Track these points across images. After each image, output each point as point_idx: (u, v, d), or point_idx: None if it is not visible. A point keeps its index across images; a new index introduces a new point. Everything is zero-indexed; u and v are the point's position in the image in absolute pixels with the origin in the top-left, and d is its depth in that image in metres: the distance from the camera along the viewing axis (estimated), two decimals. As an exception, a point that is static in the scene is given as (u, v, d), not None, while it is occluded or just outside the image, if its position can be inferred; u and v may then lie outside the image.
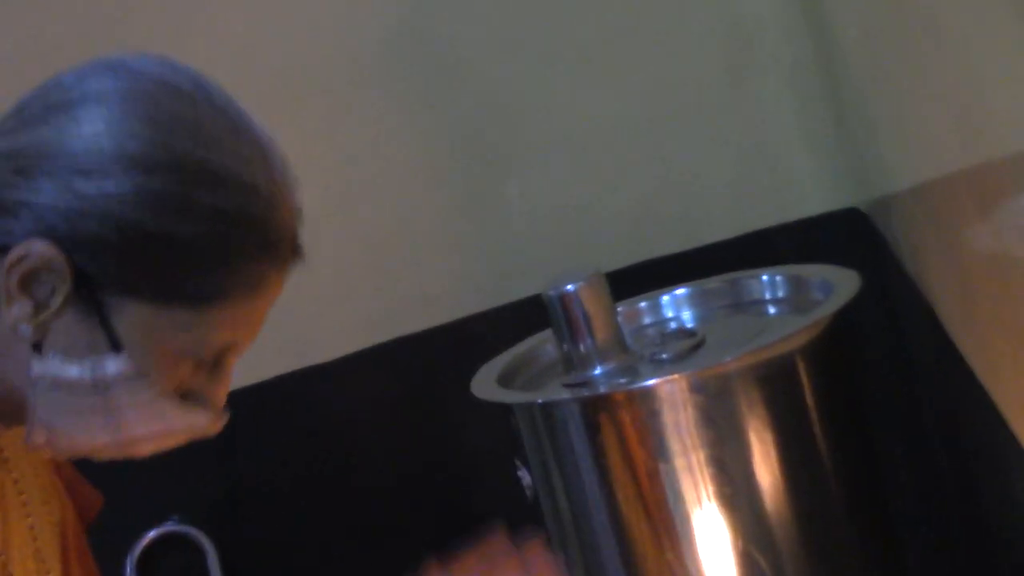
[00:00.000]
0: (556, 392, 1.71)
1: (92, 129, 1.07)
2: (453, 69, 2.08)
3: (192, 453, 2.05)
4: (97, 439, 1.13)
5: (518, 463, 1.74)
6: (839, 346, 1.70)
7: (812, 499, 1.67)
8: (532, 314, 1.79)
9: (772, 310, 1.84)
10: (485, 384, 1.77)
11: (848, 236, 2.08)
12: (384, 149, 2.09)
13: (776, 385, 1.65)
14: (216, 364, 1.15)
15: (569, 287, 1.68)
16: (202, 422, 1.15)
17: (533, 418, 1.70)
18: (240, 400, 2.10)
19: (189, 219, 1.08)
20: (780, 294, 1.85)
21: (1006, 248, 1.20)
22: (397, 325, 2.10)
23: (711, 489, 1.64)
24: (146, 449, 1.15)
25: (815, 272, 1.80)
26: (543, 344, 1.83)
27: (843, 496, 1.71)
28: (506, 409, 1.73)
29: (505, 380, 1.78)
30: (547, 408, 1.68)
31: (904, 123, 1.60)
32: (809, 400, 1.68)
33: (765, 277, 1.86)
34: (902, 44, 1.45)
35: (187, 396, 1.14)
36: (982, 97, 1.15)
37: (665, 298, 1.90)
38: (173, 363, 1.11)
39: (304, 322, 2.09)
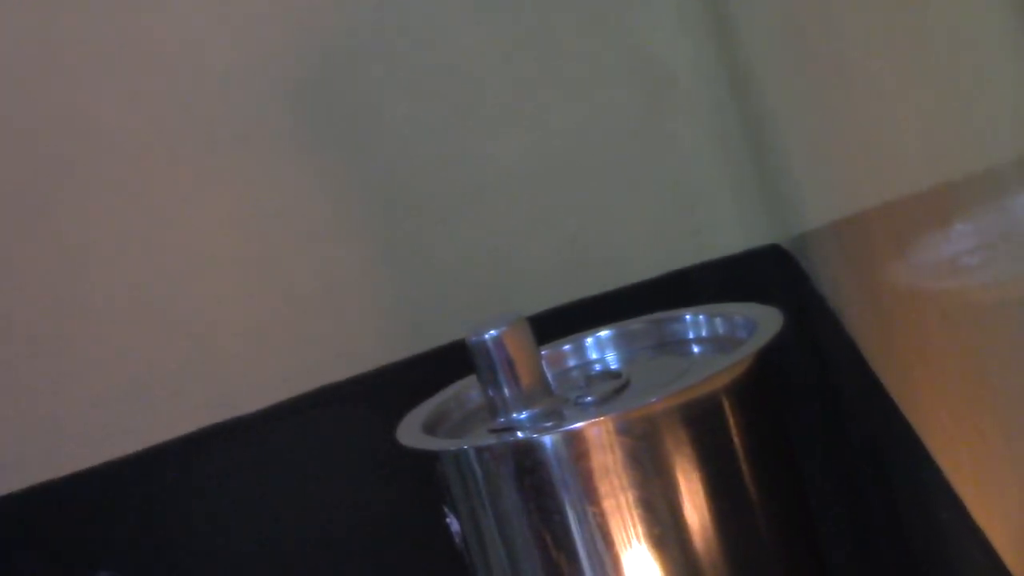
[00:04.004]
0: (482, 438, 1.71)
1: None
2: (366, 119, 2.08)
3: (119, 505, 2.04)
4: None
5: (446, 511, 1.74)
6: (764, 384, 1.70)
7: (741, 537, 1.67)
8: (455, 360, 1.79)
9: (696, 349, 1.84)
10: (410, 432, 1.76)
11: (770, 273, 2.09)
12: (298, 201, 2.09)
13: (702, 425, 1.65)
14: None
15: (491, 332, 1.68)
16: None
17: (460, 465, 1.69)
18: (164, 455, 2.10)
19: None
20: (704, 333, 1.85)
21: (919, 282, 1.21)
22: (318, 376, 2.09)
23: (641, 530, 1.64)
24: None
25: (738, 310, 1.81)
26: (467, 390, 1.83)
27: (773, 533, 1.71)
28: (432, 456, 1.72)
29: (430, 427, 1.78)
30: (474, 454, 1.68)
31: (819, 161, 1.61)
32: (736, 439, 1.68)
33: (688, 317, 1.87)
34: (814, 83, 1.47)
35: None
36: (890, 135, 1.16)
37: (589, 340, 1.90)
38: None
39: (223, 376, 2.08)
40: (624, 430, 1.62)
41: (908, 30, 1.01)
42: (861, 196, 1.41)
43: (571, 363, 1.89)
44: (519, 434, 1.68)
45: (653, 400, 1.64)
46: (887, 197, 1.27)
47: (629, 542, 1.64)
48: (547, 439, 1.64)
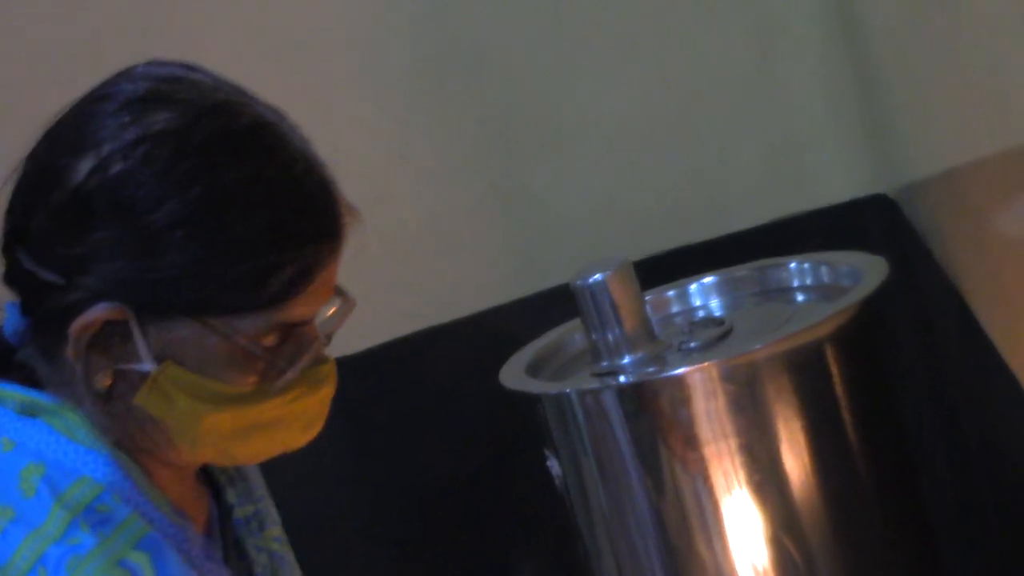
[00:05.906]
0: (585, 381, 1.72)
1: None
2: (480, 59, 2.08)
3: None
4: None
5: (547, 452, 1.75)
6: (867, 333, 1.70)
7: (841, 485, 1.67)
8: (560, 304, 1.79)
9: (800, 297, 1.84)
10: (514, 374, 1.77)
11: (876, 223, 2.08)
12: (411, 139, 2.10)
13: (805, 372, 1.65)
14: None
15: (597, 276, 1.69)
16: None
17: (562, 407, 1.70)
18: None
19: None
20: (808, 281, 1.84)
21: (1033, 233, 1.20)
22: (423, 318, 2.10)
23: (741, 476, 1.64)
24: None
25: (843, 259, 1.80)
26: (571, 334, 1.83)
27: (872, 482, 1.71)
28: (533, 399, 1.73)
29: (533, 370, 1.78)
30: (576, 397, 1.69)
31: (931, 110, 1.60)
32: (838, 387, 1.68)
33: (793, 265, 1.86)
34: (929, 31, 1.46)
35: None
36: (1009, 84, 1.15)
37: (693, 286, 1.90)
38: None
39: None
40: (727, 376, 1.62)
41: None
42: (972, 146, 1.40)
43: (675, 309, 1.89)
44: (622, 378, 1.68)
45: (757, 347, 1.64)
46: (999, 147, 1.26)
47: (729, 488, 1.64)
48: (651, 384, 1.64)
